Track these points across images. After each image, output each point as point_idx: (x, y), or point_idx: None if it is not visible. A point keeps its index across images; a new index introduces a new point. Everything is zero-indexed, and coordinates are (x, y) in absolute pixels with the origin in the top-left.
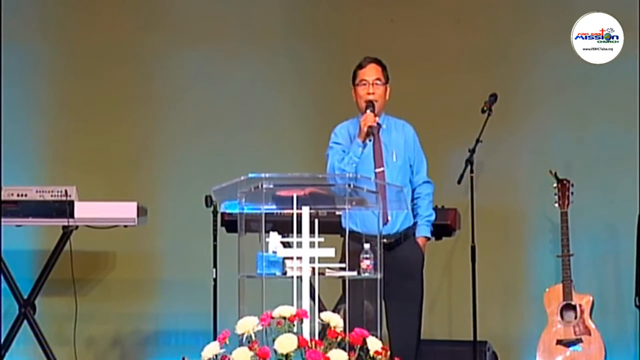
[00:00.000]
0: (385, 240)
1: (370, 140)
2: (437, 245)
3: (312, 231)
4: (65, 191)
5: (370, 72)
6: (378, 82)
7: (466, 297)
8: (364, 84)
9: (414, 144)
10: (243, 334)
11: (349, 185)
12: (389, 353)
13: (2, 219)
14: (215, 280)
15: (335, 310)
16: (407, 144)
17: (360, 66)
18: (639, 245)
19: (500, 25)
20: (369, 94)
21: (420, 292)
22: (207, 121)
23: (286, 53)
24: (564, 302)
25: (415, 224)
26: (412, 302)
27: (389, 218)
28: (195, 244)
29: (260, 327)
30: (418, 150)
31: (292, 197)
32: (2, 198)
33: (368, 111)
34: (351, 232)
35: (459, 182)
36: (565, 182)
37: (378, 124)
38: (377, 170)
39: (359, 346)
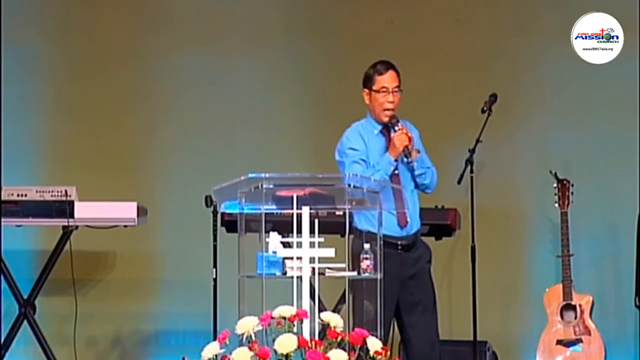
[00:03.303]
0: (404, 241)
1: (408, 162)
2: (437, 245)
3: (312, 231)
4: (65, 191)
5: (390, 80)
6: (397, 89)
7: (466, 297)
8: (385, 92)
9: (418, 140)
10: (243, 334)
11: (349, 185)
12: (389, 353)
13: (2, 219)
14: (215, 280)
15: (335, 310)
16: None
17: (379, 72)
18: (639, 245)
19: (500, 25)
20: (389, 102)
21: (433, 293)
22: (207, 121)
23: (286, 53)
24: (564, 302)
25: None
26: (428, 302)
27: (408, 220)
28: (195, 244)
29: (260, 327)
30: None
31: (292, 197)
32: (2, 198)
33: (399, 125)
34: (367, 232)
35: (459, 182)
36: (565, 182)
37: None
38: (393, 172)
39: (359, 346)
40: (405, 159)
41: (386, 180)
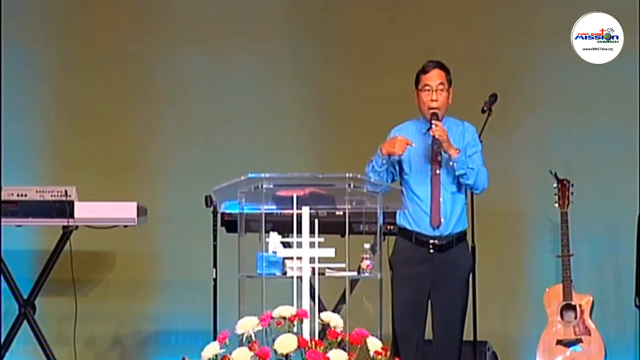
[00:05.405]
0: (436, 241)
1: (435, 151)
2: None
3: (312, 231)
4: (65, 191)
5: (434, 77)
6: (441, 87)
7: None
8: (428, 90)
9: (473, 140)
10: (243, 334)
11: (349, 185)
12: (389, 353)
13: (2, 219)
14: (215, 280)
15: (335, 310)
16: (466, 145)
17: (424, 71)
18: (639, 245)
19: (500, 25)
20: (432, 100)
21: (464, 298)
22: (206, 121)
23: (286, 53)
24: (564, 302)
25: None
26: (455, 305)
27: (442, 220)
28: (195, 244)
29: (260, 327)
30: (474, 145)
31: (292, 197)
32: (2, 198)
33: (435, 122)
34: (403, 229)
35: None
36: (565, 182)
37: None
38: (434, 172)
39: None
40: (436, 151)
41: (386, 182)
